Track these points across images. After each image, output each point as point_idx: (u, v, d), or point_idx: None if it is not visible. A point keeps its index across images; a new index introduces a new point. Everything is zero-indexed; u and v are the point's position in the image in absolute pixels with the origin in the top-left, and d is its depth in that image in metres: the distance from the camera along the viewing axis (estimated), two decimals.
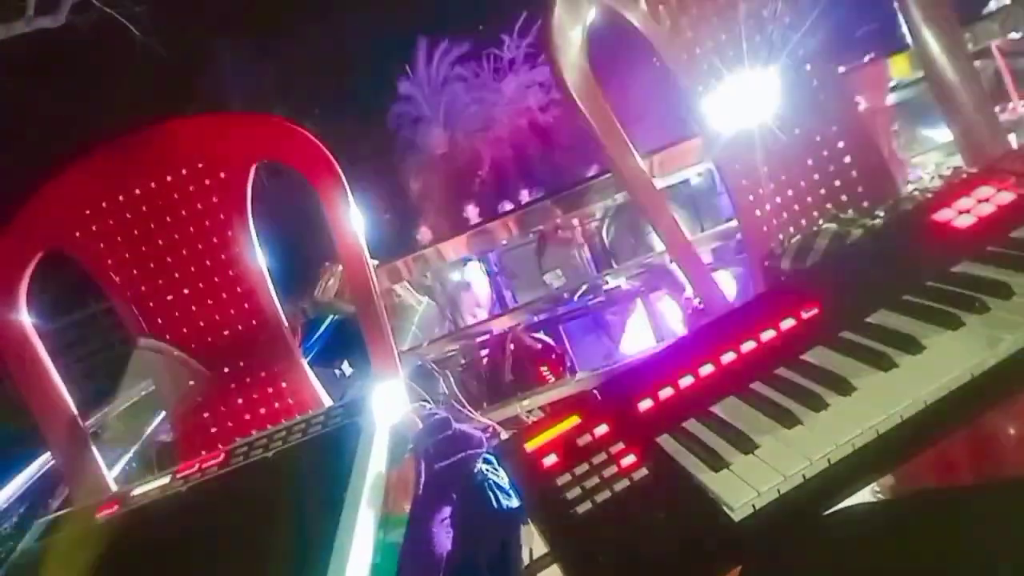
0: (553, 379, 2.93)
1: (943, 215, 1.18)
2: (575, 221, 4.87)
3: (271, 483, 1.31)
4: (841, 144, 1.76)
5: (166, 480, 1.42)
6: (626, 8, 1.72)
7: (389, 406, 1.39)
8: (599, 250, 4.94)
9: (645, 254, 3.46)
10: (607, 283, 3.18)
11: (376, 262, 2.09)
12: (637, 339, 3.26)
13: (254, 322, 1.77)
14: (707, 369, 1.09)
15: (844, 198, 1.76)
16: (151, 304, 1.78)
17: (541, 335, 3.18)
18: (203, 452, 1.49)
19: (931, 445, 0.88)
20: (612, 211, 4.60)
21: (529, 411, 2.58)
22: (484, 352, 3.06)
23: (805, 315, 1.11)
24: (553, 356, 3.03)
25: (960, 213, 1.16)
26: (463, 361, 3.04)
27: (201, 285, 1.76)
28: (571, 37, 1.72)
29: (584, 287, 3.18)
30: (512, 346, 3.02)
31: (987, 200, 1.15)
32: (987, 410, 0.92)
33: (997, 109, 2.64)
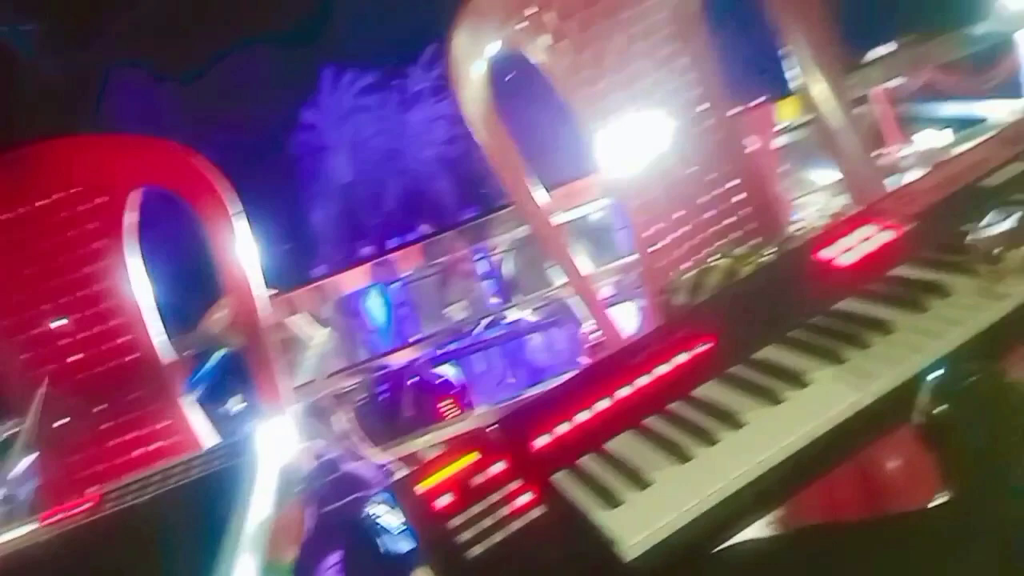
0: (454, 414, 2.88)
1: (827, 253, 1.21)
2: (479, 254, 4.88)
3: (145, 530, 1.23)
4: (733, 183, 1.82)
5: (31, 528, 1.31)
6: (525, 44, 1.73)
7: (276, 446, 1.32)
8: (502, 283, 4.94)
9: (546, 288, 3.48)
10: (507, 317, 3.19)
11: (275, 291, 2.01)
12: (538, 372, 3.26)
13: (129, 358, 1.66)
14: (603, 404, 1.08)
15: (738, 234, 1.81)
16: (19, 336, 1.66)
17: (443, 368, 3.14)
18: (73, 497, 1.39)
19: (818, 478, 0.89)
20: (515, 244, 4.62)
21: (432, 446, 2.54)
22: (383, 387, 2.99)
23: (698, 350, 1.12)
24: (454, 391, 2.99)
25: (844, 251, 1.20)
26: (362, 396, 2.96)
27: (73, 317, 1.65)
28: (472, 71, 1.72)
29: (487, 320, 3.17)
30: (412, 380, 2.97)
31: (869, 239, 1.19)
32: (869, 444, 0.94)
33: (880, 152, 2.81)
